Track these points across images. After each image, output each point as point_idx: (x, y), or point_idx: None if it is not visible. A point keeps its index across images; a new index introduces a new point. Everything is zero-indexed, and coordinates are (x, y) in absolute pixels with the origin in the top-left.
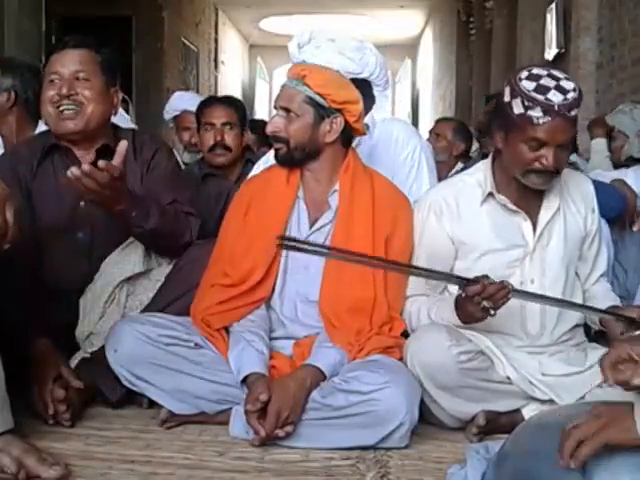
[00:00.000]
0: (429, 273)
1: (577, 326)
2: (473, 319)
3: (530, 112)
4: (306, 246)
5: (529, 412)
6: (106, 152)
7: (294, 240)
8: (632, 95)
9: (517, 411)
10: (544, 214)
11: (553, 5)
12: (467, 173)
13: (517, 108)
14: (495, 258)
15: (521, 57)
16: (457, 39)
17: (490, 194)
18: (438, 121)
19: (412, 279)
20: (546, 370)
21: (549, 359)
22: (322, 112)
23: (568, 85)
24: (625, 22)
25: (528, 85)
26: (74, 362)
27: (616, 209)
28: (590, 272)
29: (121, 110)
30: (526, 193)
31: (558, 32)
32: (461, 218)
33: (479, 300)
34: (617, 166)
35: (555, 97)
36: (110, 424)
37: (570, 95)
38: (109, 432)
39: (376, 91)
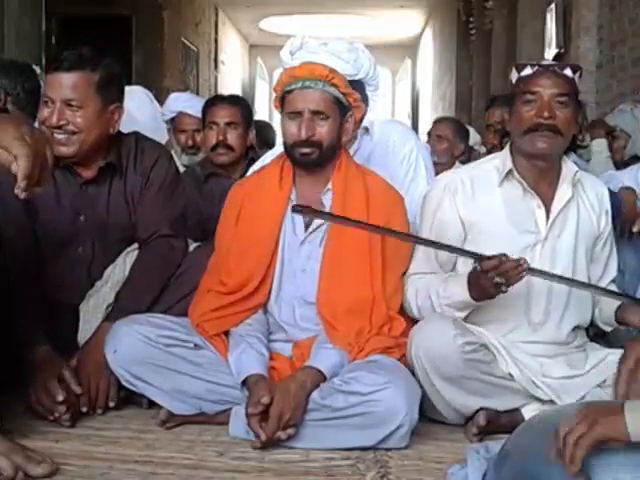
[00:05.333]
0: (450, 248)
1: (579, 328)
2: (485, 295)
3: (522, 73)
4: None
5: (529, 412)
6: (108, 169)
7: (308, 208)
8: (632, 95)
9: (517, 411)
10: (557, 202)
11: (553, 5)
12: (485, 159)
13: (514, 77)
14: (506, 242)
15: (521, 57)
16: (457, 39)
17: (509, 173)
18: (437, 122)
19: (417, 257)
20: (547, 372)
21: (550, 361)
22: (343, 111)
23: (568, 62)
24: (625, 22)
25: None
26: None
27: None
28: (602, 275)
29: (156, 105)
30: (541, 179)
31: (558, 32)
32: (475, 198)
33: (493, 275)
34: (618, 166)
35: (546, 62)
36: (110, 424)
37: (564, 61)
38: (109, 432)
39: (368, 91)
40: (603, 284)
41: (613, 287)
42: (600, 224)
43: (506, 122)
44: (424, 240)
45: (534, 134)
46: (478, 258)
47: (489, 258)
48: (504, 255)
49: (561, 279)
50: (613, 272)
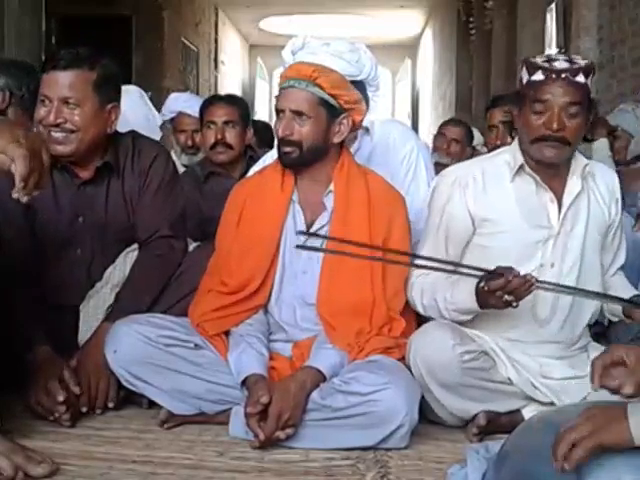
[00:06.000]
0: (454, 267)
1: (583, 327)
2: (494, 308)
3: (533, 77)
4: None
5: (529, 412)
6: (105, 169)
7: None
8: (632, 95)
9: (517, 411)
10: (568, 195)
11: (553, 5)
12: (493, 153)
13: (524, 78)
14: (517, 237)
15: (521, 57)
16: (457, 39)
17: (521, 168)
18: (451, 124)
19: (424, 252)
20: (547, 373)
21: (551, 362)
22: (333, 113)
23: (579, 60)
24: (625, 22)
25: (539, 58)
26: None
27: None
28: (611, 263)
29: (154, 112)
30: (550, 174)
31: (558, 32)
32: (487, 192)
33: (501, 294)
34: (619, 166)
35: (559, 64)
36: (110, 424)
37: (577, 64)
38: (109, 432)
39: (369, 92)
40: (612, 271)
41: (621, 274)
42: (611, 213)
43: (514, 118)
44: (428, 258)
45: (542, 143)
46: (483, 274)
47: (493, 273)
48: (510, 269)
49: (569, 290)
50: (622, 259)
